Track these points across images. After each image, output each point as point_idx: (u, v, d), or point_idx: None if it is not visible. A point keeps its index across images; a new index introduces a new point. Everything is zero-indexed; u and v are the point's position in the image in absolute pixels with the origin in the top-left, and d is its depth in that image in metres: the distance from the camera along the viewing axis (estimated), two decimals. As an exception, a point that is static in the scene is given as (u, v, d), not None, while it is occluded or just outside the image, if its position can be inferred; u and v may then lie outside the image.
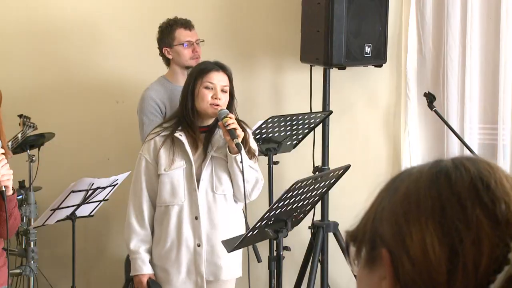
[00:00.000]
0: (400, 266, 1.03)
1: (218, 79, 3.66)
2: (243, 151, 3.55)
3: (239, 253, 3.74)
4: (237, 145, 3.51)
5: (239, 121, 3.67)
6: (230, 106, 3.70)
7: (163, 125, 3.72)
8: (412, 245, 1.02)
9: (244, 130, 3.64)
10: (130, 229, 3.67)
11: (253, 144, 3.76)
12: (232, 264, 3.71)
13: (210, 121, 3.69)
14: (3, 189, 3.15)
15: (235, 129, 3.54)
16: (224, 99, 3.65)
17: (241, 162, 3.53)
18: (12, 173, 3.19)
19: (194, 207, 3.63)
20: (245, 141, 3.63)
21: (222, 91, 3.65)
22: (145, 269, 3.65)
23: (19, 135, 4.31)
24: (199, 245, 3.63)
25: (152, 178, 3.66)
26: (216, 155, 3.65)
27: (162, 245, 3.66)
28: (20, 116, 4.45)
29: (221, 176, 3.65)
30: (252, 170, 3.66)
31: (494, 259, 1.00)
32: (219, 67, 3.71)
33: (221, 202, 3.66)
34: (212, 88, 3.64)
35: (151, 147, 3.66)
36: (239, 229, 3.67)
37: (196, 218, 3.63)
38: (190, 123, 3.64)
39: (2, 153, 3.20)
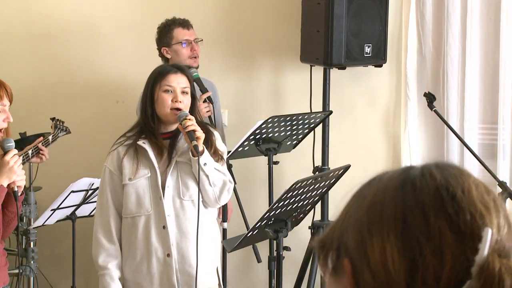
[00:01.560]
0: (361, 278, 1.01)
1: (177, 81, 3.48)
2: (206, 153, 3.40)
3: (214, 260, 3.58)
4: (195, 147, 3.35)
5: (202, 123, 3.51)
6: (193, 108, 3.52)
7: (126, 134, 3.57)
8: (373, 256, 0.99)
9: (208, 132, 3.48)
10: (98, 244, 3.52)
11: (221, 146, 3.58)
12: (207, 273, 3.52)
13: (173, 127, 3.52)
14: (16, 189, 3.19)
15: (194, 130, 3.36)
16: (185, 101, 3.47)
17: (206, 164, 3.39)
18: (24, 174, 3.24)
19: (161, 216, 3.45)
20: (209, 142, 3.49)
21: (183, 92, 3.48)
22: (113, 286, 3.48)
23: (50, 138, 4.31)
24: (168, 255, 3.46)
25: (117, 189, 3.50)
26: (181, 160, 3.47)
27: (132, 258, 3.50)
28: (53, 119, 4.46)
29: (187, 181, 3.47)
30: (219, 173, 3.48)
31: (456, 272, 0.97)
32: (177, 68, 3.55)
33: (189, 208, 3.48)
34: (171, 91, 3.47)
35: (114, 158, 3.51)
36: (212, 235, 3.55)
37: (164, 227, 3.45)
38: (152, 130, 3.48)
39: (16, 154, 3.24)
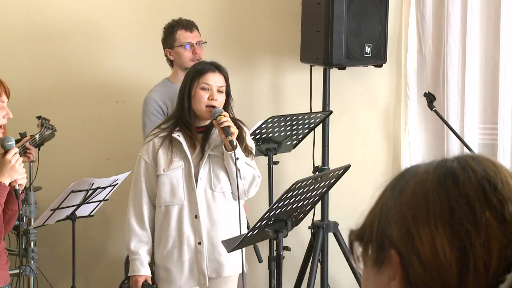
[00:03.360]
0: (410, 268, 1.04)
1: (214, 79, 3.69)
2: (238, 148, 3.58)
3: (237, 250, 3.74)
4: (231, 142, 3.54)
5: (234, 120, 3.70)
6: (227, 106, 3.73)
7: (161, 126, 3.74)
8: (422, 247, 1.03)
9: (239, 128, 3.67)
10: (130, 230, 3.69)
11: (250, 142, 3.78)
12: (234, 261, 3.71)
13: (207, 121, 3.72)
14: (17, 187, 3.21)
15: (228, 126, 3.56)
16: (220, 100, 3.68)
17: (237, 158, 3.56)
18: (25, 172, 3.26)
19: (193, 206, 3.66)
20: (241, 138, 3.67)
21: (218, 91, 3.68)
22: (143, 271, 3.66)
23: (37, 136, 4.31)
24: (200, 243, 3.65)
25: (151, 179, 3.69)
26: (213, 154, 3.68)
27: (163, 245, 3.69)
28: (39, 117, 4.46)
29: (219, 174, 3.68)
30: (249, 167, 3.69)
31: (503, 260, 1.01)
32: (215, 67, 3.73)
33: (220, 199, 3.69)
34: (208, 89, 3.66)
35: (149, 149, 3.69)
36: (239, 226, 3.70)
37: (196, 216, 3.66)
38: (188, 123, 3.67)
39: (16, 153, 3.24)
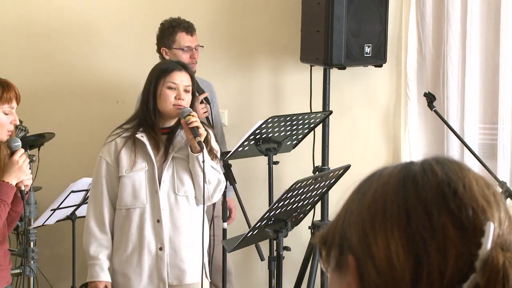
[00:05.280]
0: (366, 274, 1.01)
1: (180, 78, 3.55)
2: (205, 150, 3.47)
3: (200, 256, 3.60)
4: (199, 143, 3.43)
5: (201, 122, 3.58)
6: (193, 106, 3.60)
7: (123, 126, 3.61)
8: (377, 252, 1.00)
9: (205, 130, 3.54)
10: (90, 234, 3.53)
11: (215, 145, 3.65)
12: (196, 268, 3.57)
13: (172, 122, 3.59)
14: (23, 188, 3.22)
15: (197, 127, 3.44)
16: (187, 99, 3.55)
17: (203, 161, 3.44)
18: (31, 173, 3.27)
19: (156, 210, 3.52)
20: (206, 141, 3.55)
21: (185, 91, 3.55)
22: (103, 276, 3.52)
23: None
24: (161, 249, 3.52)
25: (113, 180, 3.54)
26: (178, 156, 3.55)
27: (122, 249, 3.55)
28: None
29: (183, 177, 3.55)
30: (214, 171, 3.57)
31: (460, 267, 0.97)
32: (182, 66, 3.61)
33: (183, 203, 3.56)
34: (175, 88, 3.53)
35: (111, 149, 3.55)
36: (202, 232, 3.58)
37: (158, 221, 3.52)
38: (152, 124, 3.54)
39: (23, 154, 3.26)
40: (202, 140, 3.46)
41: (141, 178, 3.52)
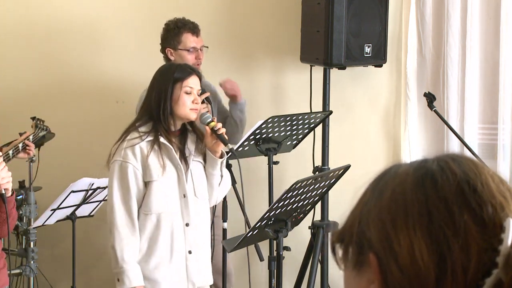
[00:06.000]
0: (389, 272, 1.02)
1: (195, 83, 3.60)
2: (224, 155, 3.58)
3: (210, 259, 3.71)
4: (231, 150, 3.54)
5: None
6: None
7: (139, 129, 3.58)
8: (400, 251, 1.01)
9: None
10: (122, 239, 3.48)
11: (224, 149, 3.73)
12: (210, 271, 3.68)
13: (178, 125, 3.61)
14: (3, 191, 3.16)
15: (223, 133, 3.54)
16: (200, 102, 3.63)
17: (224, 167, 3.59)
18: (11, 175, 3.20)
19: (185, 214, 3.55)
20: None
21: (198, 94, 3.61)
22: (139, 281, 3.48)
23: (31, 137, 4.31)
24: (190, 252, 3.56)
25: (139, 185, 3.52)
26: (195, 160, 3.61)
27: (151, 254, 3.53)
28: (33, 118, 4.45)
29: (201, 180, 3.61)
30: (228, 175, 3.71)
31: (482, 264, 0.99)
32: (194, 71, 3.65)
33: (201, 206, 3.61)
34: (191, 93, 3.57)
35: (137, 154, 3.52)
36: (212, 234, 3.75)
37: (187, 224, 3.55)
38: (167, 128, 3.56)
39: (0, 156, 3.22)
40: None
41: (170, 183, 3.54)
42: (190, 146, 3.61)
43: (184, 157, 3.58)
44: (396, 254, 1.01)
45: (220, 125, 3.55)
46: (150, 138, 3.54)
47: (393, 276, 1.02)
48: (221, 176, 3.60)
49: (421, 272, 1.00)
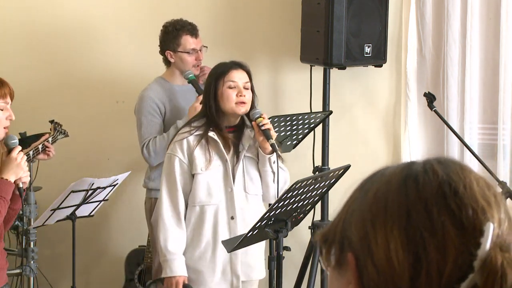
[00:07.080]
0: (365, 272, 1.01)
1: (238, 76, 3.65)
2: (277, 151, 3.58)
3: (263, 253, 3.76)
4: (272, 145, 3.53)
5: None
6: (253, 102, 3.69)
7: (192, 124, 3.67)
8: (377, 251, 1.00)
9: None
10: (167, 230, 3.59)
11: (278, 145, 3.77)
12: (261, 264, 3.73)
13: (236, 121, 3.69)
14: (21, 185, 3.22)
15: (269, 129, 3.56)
16: (248, 96, 3.64)
17: (275, 162, 3.57)
18: (28, 170, 3.29)
19: (230, 207, 3.63)
20: (276, 141, 3.66)
21: (244, 88, 3.65)
22: (182, 271, 3.58)
23: (50, 139, 4.34)
24: None
25: (186, 177, 3.62)
26: (248, 155, 3.66)
27: (196, 245, 3.63)
28: (52, 121, 4.47)
29: (253, 176, 3.67)
30: (282, 171, 3.68)
31: (459, 267, 0.98)
32: (237, 65, 3.71)
33: (253, 202, 3.68)
34: (235, 87, 3.62)
35: (184, 147, 3.62)
36: None
37: (232, 218, 3.63)
38: (217, 124, 3.63)
39: (21, 151, 3.26)
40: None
41: (216, 176, 3.61)
42: (245, 141, 3.66)
43: (237, 153, 3.64)
44: (373, 253, 1.01)
45: (266, 121, 3.57)
46: (199, 132, 3.63)
47: (369, 276, 1.01)
48: (273, 172, 3.61)
49: (395, 272, 0.99)
